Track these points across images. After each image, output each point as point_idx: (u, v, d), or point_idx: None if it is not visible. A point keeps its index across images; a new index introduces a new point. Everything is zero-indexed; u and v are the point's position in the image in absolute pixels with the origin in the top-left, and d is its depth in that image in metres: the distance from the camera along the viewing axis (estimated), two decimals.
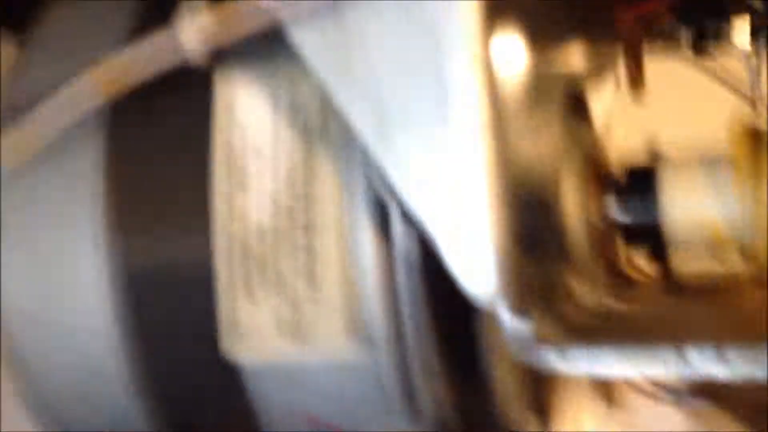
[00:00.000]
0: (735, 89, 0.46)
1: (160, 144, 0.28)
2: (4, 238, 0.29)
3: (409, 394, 0.26)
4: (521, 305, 0.24)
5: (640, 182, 0.31)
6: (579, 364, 0.23)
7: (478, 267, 0.23)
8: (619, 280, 0.35)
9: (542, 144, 0.29)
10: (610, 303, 0.33)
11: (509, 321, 0.24)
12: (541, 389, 0.29)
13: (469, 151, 0.23)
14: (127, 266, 0.28)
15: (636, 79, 0.43)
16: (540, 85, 0.29)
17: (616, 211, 0.31)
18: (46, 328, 0.29)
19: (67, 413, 0.31)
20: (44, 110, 0.29)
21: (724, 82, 0.46)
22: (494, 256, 0.23)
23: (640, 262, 0.36)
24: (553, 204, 0.29)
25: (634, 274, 0.35)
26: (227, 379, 0.28)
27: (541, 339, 0.24)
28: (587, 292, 0.32)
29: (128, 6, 0.31)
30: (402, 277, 0.25)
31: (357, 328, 0.25)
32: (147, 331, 0.28)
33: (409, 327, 0.25)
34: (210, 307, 0.27)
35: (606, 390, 0.37)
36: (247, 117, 0.27)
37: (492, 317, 0.24)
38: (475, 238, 0.23)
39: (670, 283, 0.35)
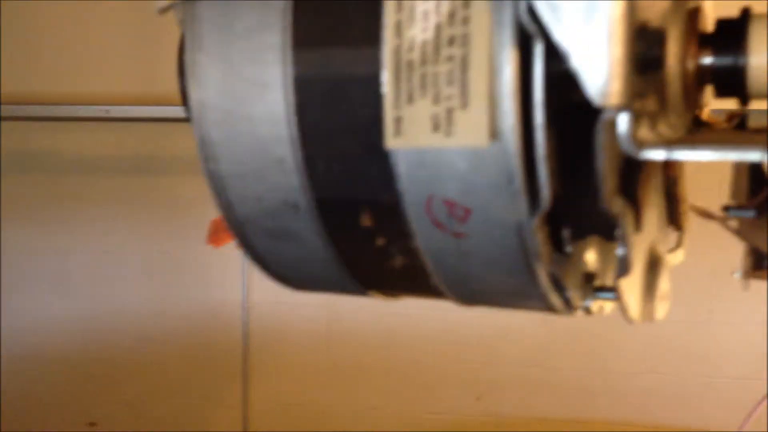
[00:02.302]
0: None
1: None
2: (205, 52, 0.37)
3: (530, 179, 0.33)
4: (634, 109, 0.31)
5: (732, 32, 0.37)
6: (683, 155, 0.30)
7: (604, 78, 0.30)
8: (697, 122, 0.42)
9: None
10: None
11: (626, 122, 0.31)
12: (633, 184, 0.36)
13: None
14: (307, 73, 0.35)
15: None
16: None
17: (710, 58, 0.37)
18: (233, 119, 0.37)
19: (241, 190, 0.38)
20: None
21: None
22: (617, 70, 0.30)
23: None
24: (659, 51, 0.35)
25: (710, 118, 0.42)
26: (382, 165, 0.35)
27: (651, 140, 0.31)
28: (675, 123, 0.38)
29: None
30: (535, 88, 0.32)
31: (495, 125, 0.32)
32: (318, 123, 0.36)
33: (535, 127, 0.32)
34: (372, 107, 0.34)
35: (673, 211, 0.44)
36: None
37: (609, 123, 0.31)
38: (604, 57, 0.30)
39: (740, 125, 0.41)
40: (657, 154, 0.31)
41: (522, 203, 0.33)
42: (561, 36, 0.30)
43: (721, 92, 0.39)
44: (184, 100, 0.39)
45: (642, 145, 0.31)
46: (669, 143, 0.31)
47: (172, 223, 1.88)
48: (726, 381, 1.74)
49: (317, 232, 0.38)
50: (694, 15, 0.38)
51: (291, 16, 0.35)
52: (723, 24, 0.38)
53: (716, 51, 0.38)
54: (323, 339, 1.88)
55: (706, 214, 0.41)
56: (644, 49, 0.32)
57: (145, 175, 1.90)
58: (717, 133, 0.36)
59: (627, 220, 0.34)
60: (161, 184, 1.89)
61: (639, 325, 0.40)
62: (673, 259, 0.44)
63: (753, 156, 0.29)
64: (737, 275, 0.40)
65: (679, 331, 1.71)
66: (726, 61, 0.38)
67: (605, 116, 0.31)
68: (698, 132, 0.38)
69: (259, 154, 0.37)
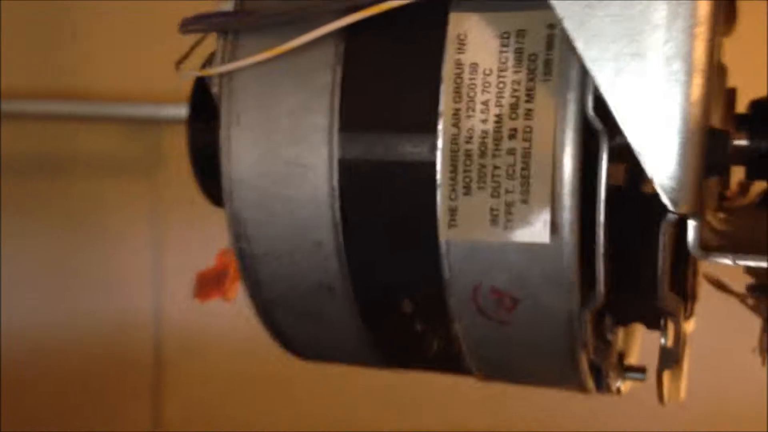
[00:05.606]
0: None
1: (393, 59, 0.34)
2: (243, 129, 0.35)
3: (584, 274, 0.33)
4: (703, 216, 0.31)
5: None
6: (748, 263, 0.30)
7: (676, 184, 0.29)
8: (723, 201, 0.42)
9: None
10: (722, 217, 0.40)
11: (695, 229, 0.30)
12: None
13: (685, 86, 0.28)
14: (355, 157, 0.34)
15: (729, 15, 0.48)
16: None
17: (745, 141, 0.37)
18: (270, 200, 0.35)
19: (273, 271, 0.37)
20: (290, 18, 0.34)
21: None
22: (691, 179, 0.29)
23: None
24: (724, 156, 0.35)
25: (736, 197, 0.42)
26: (429, 254, 0.34)
27: (720, 247, 0.31)
28: (712, 204, 0.39)
29: None
30: (599, 187, 0.31)
31: (554, 221, 0.32)
32: (362, 208, 0.34)
33: (597, 224, 0.32)
34: (423, 195, 0.33)
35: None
36: (477, 46, 0.32)
37: (671, 225, 0.31)
38: (677, 163, 0.29)
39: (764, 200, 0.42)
40: (724, 260, 0.31)
41: (576, 296, 0.33)
42: (633, 137, 0.30)
43: (754, 175, 0.39)
44: (202, 185, 0.38)
45: (708, 250, 0.31)
46: (734, 250, 0.31)
47: (71, 227, 1.79)
48: None
49: (352, 315, 0.37)
50: (731, 96, 0.39)
51: (339, 97, 0.34)
52: (759, 106, 0.39)
53: (752, 135, 0.38)
54: (244, 350, 1.83)
55: (722, 287, 0.42)
56: (711, 154, 0.32)
57: (41, 176, 1.80)
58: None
59: (680, 316, 0.34)
60: (58, 187, 1.79)
61: None
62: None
63: None
64: (756, 352, 0.41)
65: None
66: (763, 145, 0.38)
67: (670, 218, 0.31)
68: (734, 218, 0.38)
69: (296, 236, 0.35)
